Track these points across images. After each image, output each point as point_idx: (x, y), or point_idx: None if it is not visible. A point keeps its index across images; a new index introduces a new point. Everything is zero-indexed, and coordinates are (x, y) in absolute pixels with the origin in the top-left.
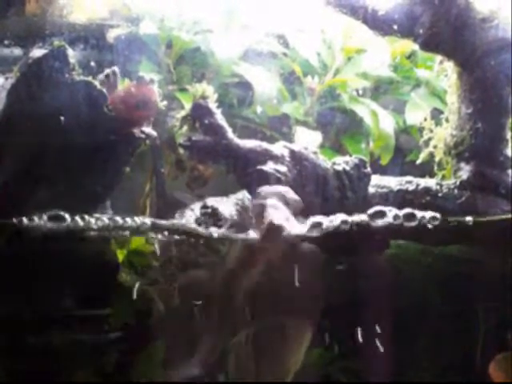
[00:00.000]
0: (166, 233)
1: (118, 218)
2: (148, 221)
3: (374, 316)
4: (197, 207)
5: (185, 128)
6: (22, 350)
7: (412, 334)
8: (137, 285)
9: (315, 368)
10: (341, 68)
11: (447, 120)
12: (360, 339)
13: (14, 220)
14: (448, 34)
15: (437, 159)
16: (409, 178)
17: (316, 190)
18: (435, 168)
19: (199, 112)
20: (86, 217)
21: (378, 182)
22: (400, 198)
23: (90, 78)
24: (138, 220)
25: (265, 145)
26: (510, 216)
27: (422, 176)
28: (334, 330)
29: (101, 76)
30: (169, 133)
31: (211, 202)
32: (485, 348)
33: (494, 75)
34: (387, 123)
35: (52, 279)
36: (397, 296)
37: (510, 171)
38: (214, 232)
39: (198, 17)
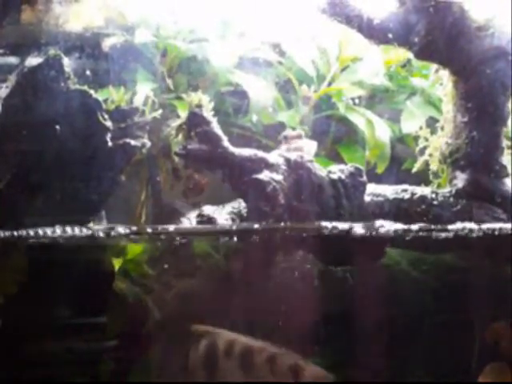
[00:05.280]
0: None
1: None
2: None
3: (369, 325)
4: (193, 216)
5: (180, 136)
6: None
7: (407, 341)
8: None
9: None
10: (336, 77)
11: (443, 128)
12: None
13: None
14: (443, 42)
15: (432, 168)
16: (404, 186)
17: (311, 198)
18: (431, 176)
19: (195, 121)
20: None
21: (374, 191)
22: (395, 207)
23: (85, 87)
24: None
25: (260, 153)
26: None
27: (418, 184)
28: (330, 339)
29: None
30: (164, 141)
31: (207, 210)
32: (479, 357)
33: (490, 83)
34: (383, 132)
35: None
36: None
37: (505, 180)
38: None
39: (194, 25)
